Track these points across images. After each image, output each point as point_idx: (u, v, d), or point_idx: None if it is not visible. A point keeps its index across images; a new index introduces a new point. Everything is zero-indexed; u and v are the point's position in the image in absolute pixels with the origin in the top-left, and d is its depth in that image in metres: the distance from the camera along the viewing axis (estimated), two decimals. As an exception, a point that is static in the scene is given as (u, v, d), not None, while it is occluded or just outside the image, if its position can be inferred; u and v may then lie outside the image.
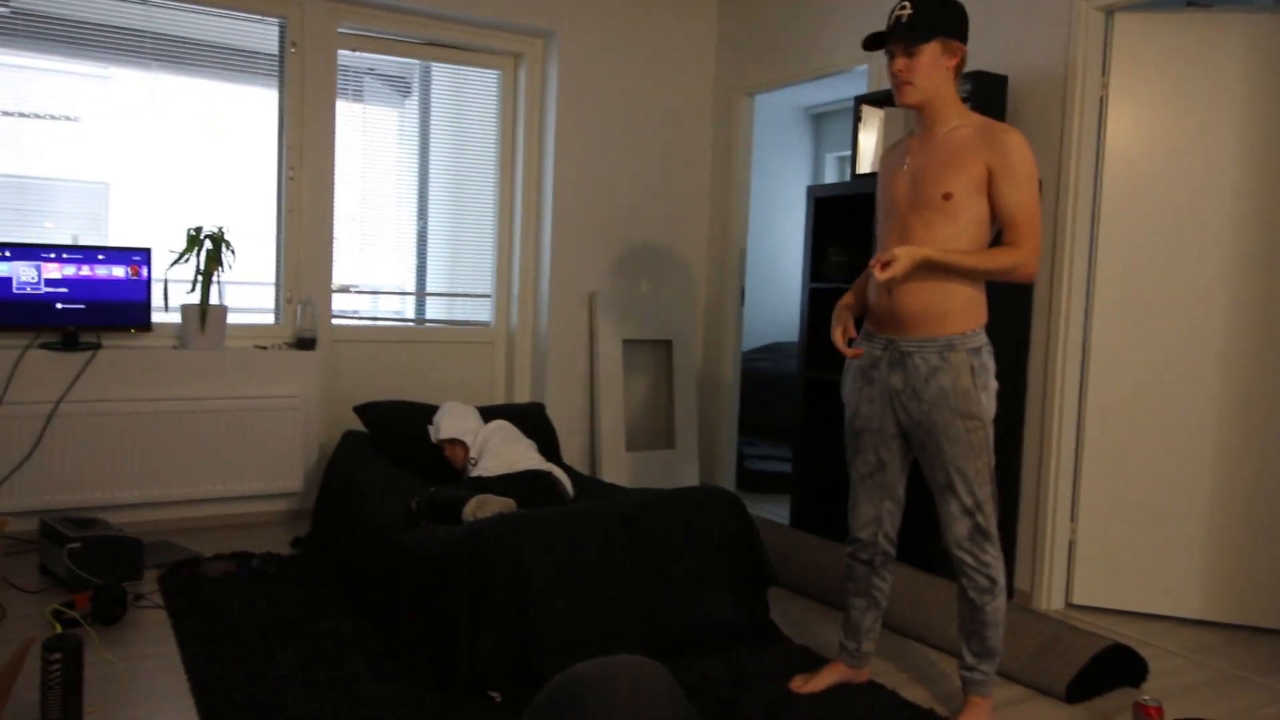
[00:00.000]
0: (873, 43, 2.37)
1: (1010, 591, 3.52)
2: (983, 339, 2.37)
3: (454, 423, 3.62)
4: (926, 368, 2.35)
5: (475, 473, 3.41)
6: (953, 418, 2.33)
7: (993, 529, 2.39)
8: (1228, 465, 3.30)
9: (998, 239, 2.36)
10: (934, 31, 2.30)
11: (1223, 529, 3.31)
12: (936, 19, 2.31)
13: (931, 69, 2.32)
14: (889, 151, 2.53)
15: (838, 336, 2.49)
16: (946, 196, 2.30)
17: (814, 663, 2.79)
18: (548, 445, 4.02)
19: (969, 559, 2.39)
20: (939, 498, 2.41)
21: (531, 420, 4.05)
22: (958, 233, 2.31)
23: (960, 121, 2.36)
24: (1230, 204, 3.28)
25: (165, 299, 4.03)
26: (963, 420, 2.33)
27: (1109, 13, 3.34)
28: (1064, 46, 3.38)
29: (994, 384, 2.38)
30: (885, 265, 2.24)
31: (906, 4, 2.32)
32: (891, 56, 2.35)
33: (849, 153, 6.76)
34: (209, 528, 4.02)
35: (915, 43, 2.30)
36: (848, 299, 2.56)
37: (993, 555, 2.39)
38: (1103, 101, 3.37)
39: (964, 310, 2.34)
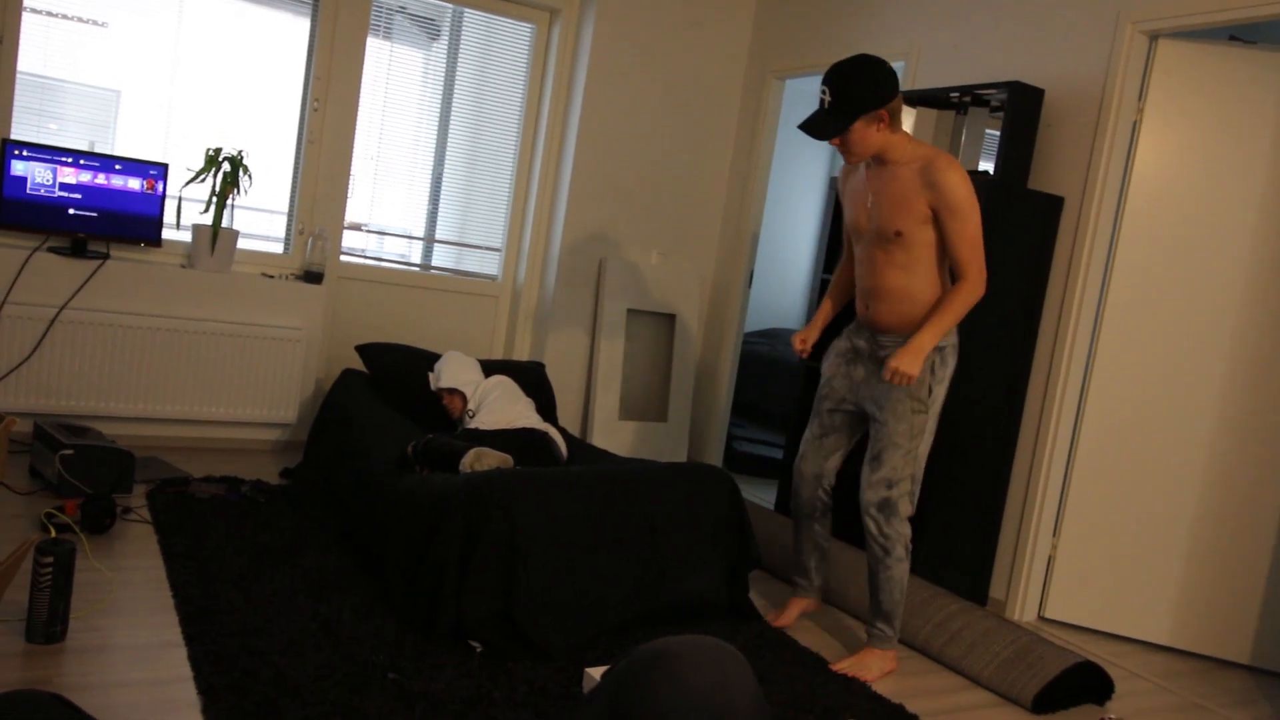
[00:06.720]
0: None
1: (984, 599, 3.57)
2: (947, 340, 2.68)
3: (456, 372, 3.62)
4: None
5: (472, 425, 3.41)
6: (904, 397, 2.66)
7: (903, 507, 2.69)
8: (1211, 499, 3.35)
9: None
10: (854, 114, 2.52)
11: (1199, 561, 3.36)
12: (854, 99, 2.51)
13: (865, 138, 2.57)
14: (849, 173, 2.78)
15: (797, 341, 2.91)
16: (898, 234, 2.63)
17: (786, 645, 2.83)
18: (545, 406, 4.03)
19: (873, 526, 2.71)
20: (868, 466, 2.72)
21: (530, 379, 4.06)
22: (912, 259, 2.65)
23: (908, 156, 2.60)
24: (1248, 240, 3.30)
25: (178, 217, 4.01)
26: (911, 402, 2.66)
27: (1153, 38, 3.33)
28: (1104, 67, 3.38)
29: (949, 379, 2.71)
30: (896, 373, 2.57)
31: (826, 89, 2.54)
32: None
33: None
34: (198, 449, 4.03)
35: (838, 132, 2.54)
36: (826, 308, 3.01)
37: (895, 530, 2.69)
38: (1136, 125, 3.38)
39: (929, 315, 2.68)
